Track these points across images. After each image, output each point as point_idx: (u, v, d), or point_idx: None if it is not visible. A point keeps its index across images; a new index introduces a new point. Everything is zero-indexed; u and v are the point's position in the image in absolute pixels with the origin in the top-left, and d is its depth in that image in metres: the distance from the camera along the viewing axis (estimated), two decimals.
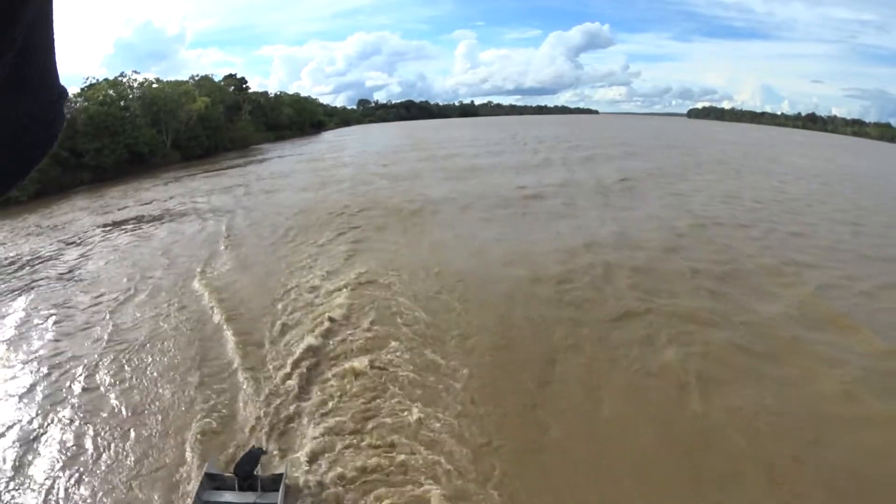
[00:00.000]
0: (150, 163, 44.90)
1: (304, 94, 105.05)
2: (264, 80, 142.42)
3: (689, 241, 20.53)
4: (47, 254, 21.15)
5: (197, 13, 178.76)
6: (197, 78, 61.42)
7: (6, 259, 20.66)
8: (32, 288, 17.27)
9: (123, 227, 25.77)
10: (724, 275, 16.60)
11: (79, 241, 23.11)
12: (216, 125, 55.16)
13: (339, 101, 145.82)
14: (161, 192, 35.03)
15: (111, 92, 45.59)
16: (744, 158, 49.73)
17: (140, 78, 51.21)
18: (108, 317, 14.47)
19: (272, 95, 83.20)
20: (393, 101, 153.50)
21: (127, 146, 42.11)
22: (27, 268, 19.40)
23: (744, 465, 8.23)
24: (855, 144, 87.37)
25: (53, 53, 0.59)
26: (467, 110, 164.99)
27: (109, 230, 25.50)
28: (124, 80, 49.13)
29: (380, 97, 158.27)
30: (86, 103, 43.01)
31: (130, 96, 47.22)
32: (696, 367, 11.09)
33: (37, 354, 12.50)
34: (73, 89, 44.05)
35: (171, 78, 58.72)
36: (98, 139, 39.91)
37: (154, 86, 51.86)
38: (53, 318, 14.57)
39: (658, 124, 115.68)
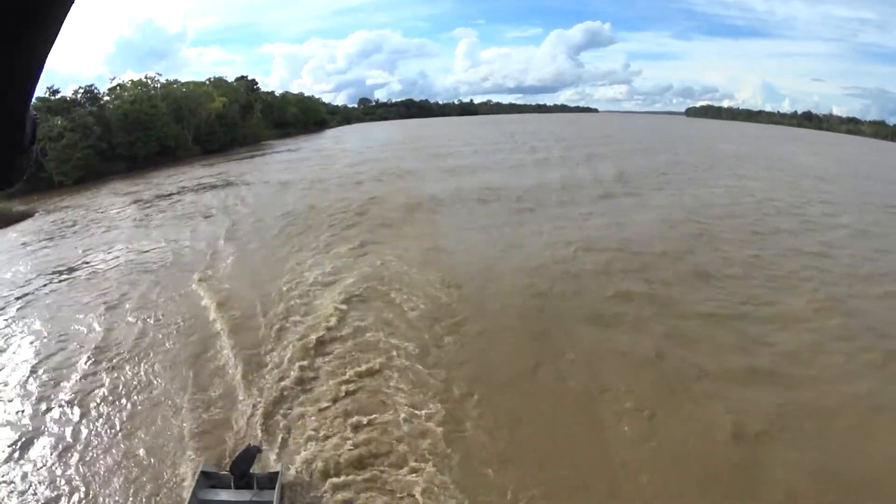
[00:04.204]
0: (175, 155, 50.48)
1: (304, 92, 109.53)
2: (265, 79, 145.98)
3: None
4: (101, 225, 25.97)
5: (198, 11, 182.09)
6: (212, 79, 67.11)
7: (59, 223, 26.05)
8: (65, 250, 20.73)
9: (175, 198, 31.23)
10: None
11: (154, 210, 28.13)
12: (231, 123, 60.76)
13: (339, 100, 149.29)
14: (202, 172, 42.07)
15: (137, 91, 51.24)
16: (679, 144, 64.11)
17: (162, 79, 56.96)
18: (111, 306, 14.91)
19: (278, 95, 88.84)
20: (393, 100, 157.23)
21: (158, 140, 47.82)
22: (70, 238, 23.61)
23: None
24: (833, 140, 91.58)
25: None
26: (467, 109, 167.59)
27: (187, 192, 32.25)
28: (149, 81, 54.86)
29: (380, 95, 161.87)
30: (116, 101, 48.75)
31: (153, 94, 52.66)
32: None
33: (36, 345, 12.73)
34: (101, 87, 49.75)
35: (174, 76, 64.42)
36: (132, 133, 45.59)
37: (174, 86, 57.55)
38: (60, 303, 15.43)
39: (652, 123, 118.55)
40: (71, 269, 18.52)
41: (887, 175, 45.36)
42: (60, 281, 17.40)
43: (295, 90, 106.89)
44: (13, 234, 24.90)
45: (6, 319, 14.51)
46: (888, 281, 16.63)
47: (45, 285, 17.06)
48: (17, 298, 15.97)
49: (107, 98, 48.68)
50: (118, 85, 51.66)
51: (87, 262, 19.34)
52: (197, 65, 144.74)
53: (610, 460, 8.51)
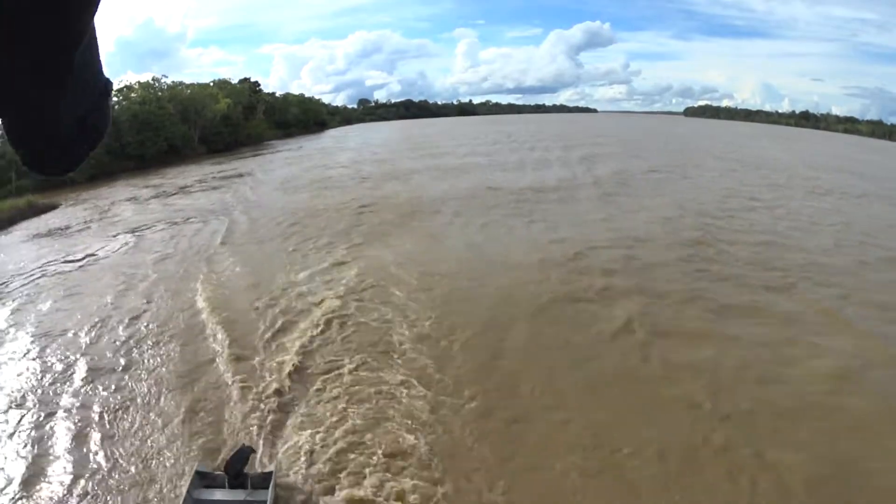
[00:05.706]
0: (182, 154, 52.11)
1: (304, 92, 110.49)
2: (265, 80, 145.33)
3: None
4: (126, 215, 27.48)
5: (198, 11, 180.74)
6: (217, 81, 68.80)
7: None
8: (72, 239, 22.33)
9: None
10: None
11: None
12: (235, 123, 62.34)
13: (339, 100, 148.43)
14: (209, 170, 43.16)
15: (144, 92, 52.77)
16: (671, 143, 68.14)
17: (168, 81, 58.51)
18: (115, 296, 15.33)
19: (280, 96, 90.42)
20: (393, 101, 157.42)
21: (166, 139, 49.53)
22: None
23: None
24: (824, 139, 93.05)
25: (98, 49, 0.67)
26: (465, 109, 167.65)
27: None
28: (155, 83, 56.39)
29: (380, 96, 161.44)
30: (125, 102, 50.35)
31: (160, 95, 54.15)
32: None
33: (33, 339, 12.84)
34: None
35: (174, 76, 65.89)
36: (142, 133, 47.22)
37: (179, 88, 59.10)
38: (76, 286, 16.26)
39: (649, 124, 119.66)
40: (86, 256, 19.88)
41: (853, 168, 47.92)
42: (77, 265, 18.86)
43: (294, 91, 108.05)
44: (48, 220, 26.82)
45: (23, 299, 15.64)
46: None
47: (52, 266, 18.62)
48: (40, 277, 17.52)
49: (114, 99, 50.15)
50: (125, 86, 53.22)
51: (101, 250, 20.67)
52: (197, 65, 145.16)
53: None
